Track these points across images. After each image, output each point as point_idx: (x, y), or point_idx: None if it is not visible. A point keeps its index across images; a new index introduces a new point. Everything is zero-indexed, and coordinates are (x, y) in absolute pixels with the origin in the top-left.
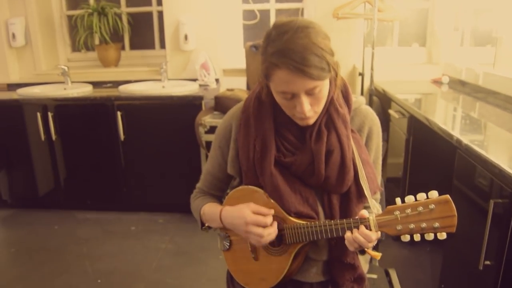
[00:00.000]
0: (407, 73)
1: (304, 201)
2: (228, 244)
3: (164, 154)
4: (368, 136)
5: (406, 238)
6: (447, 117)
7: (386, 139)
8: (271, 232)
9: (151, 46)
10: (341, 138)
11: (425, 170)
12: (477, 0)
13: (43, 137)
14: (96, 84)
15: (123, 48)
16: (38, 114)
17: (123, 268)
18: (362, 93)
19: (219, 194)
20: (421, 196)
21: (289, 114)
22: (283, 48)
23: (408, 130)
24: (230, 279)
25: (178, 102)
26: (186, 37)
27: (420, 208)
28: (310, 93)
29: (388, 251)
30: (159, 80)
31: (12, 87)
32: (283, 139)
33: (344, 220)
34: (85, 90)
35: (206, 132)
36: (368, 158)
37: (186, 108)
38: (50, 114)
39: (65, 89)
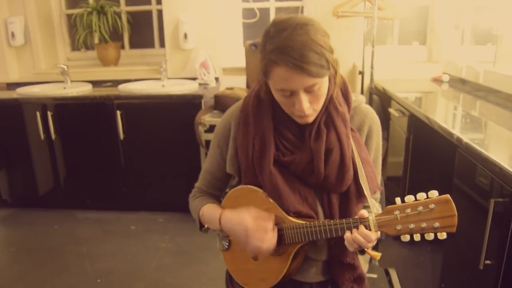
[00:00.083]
0: (407, 71)
1: (303, 201)
2: (227, 244)
3: (164, 153)
4: (368, 135)
5: (406, 238)
6: (448, 116)
7: (386, 137)
8: (271, 239)
9: (150, 45)
10: (341, 136)
11: (425, 169)
12: None
13: (42, 137)
14: (95, 83)
15: (122, 47)
16: (38, 114)
17: (123, 268)
18: (362, 92)
19: (217, 193)
20: (421, 195)
21: (288, 112)
22: (282, 45)
23: (408, 128)
24: (229, 279)
25: (178, 101)
26: (185, 36)
27: (420, 208)
28: (309, 90)
29: (388, 250)
30: (159, 79)
31: (12, 86)
32: (282, 138)
33: (344, 220)
34: (84, 89)
35: (206, 131)
36: (368, 157)
37: (186, 107)
38: (49, 113)
39: (64, 88)
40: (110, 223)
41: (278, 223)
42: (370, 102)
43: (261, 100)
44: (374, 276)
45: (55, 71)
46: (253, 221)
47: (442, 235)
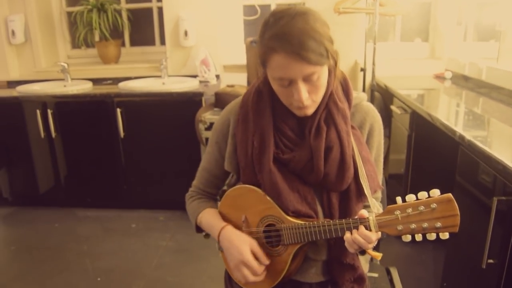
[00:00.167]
0: (409, 68)
1: (303, 200)
2: None
3: (164, 151)
4: (369, 134)
5: (407, 238)
6: (450, 113)
7: (388, 135)
8: (257, 278)
9: (151, 42)
10: (341, 134)
11: (428, 167)
12: None
13: (42, 135)
14: (96, 81)
15: (123, 44)
16: (38, 112)
17: (123, 266)
18: (364, 89)
19: (215, 192)
20: (423, 195)
21: (286, 104)
22: (280, 32)
23: (410, 126)
24: (229, 279)
25: (178, 99)
26: (186, 33)
27: (422, 208)
28: (307, 79)
29: (390, 248)
30: (159, 76)
31: (12, 84)
32: (281, 135)
33: (343, 220)
34: (84, 87)
35: (206, 129)
36: (369, 156)
37: (186, 104)
38: (49, 112)
39: (65, 86)
40: (111, 221)
41: (276, 223)
42: (371, 99)
43: (261, 96)
44: (375, 275)
45: (56, 69)
46: (251, 257)
47: (444, 235)
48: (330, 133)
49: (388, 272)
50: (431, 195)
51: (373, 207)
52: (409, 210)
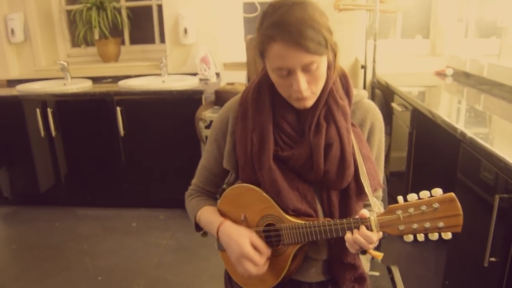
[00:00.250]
0: (410, 65)
1: (302, 198)
2: None
3: (165, 149)
4: (370, 132)
5: (409, 238)
6: (451, 110)
7: (389, 132)
8: (259, 270)
9: (151, 40)
10: (341, 131)
11: (429, 164)
12: None
13: (42, 133)
14: (96, 80)
15: (123, 42)
16: (38, 110)
17: (123, 265)
18: (364, 86)
19: (214, 190)
20: (425, 194)
21: (285, 96)
22: (279, 21)
23: (412, 123)
24: (228, 279)
25: (178, 97)
26: (185, 31)
27: (424, 207)
28: (306, 69)
29: (391, 246)
30: (159, 74)
31: (12, 83)
32: (281, 132)
33: (344, 220)
34: (84, 86)
35: (207, 127)
36: (369, 154)
37: (186, 102)
38: (49, 110)
39: (64, 84)
40: (111, 220)
41: (276, 223)
42: (372, 96)
43: (260, 92)
44: (376, 274)
45: (55, 67)
46: (251, 249)
47: (447, 235)
48: (330, 130)
49: (390, 271)
50: (433, 194)
51: (374, 206)
52: (411, 210)
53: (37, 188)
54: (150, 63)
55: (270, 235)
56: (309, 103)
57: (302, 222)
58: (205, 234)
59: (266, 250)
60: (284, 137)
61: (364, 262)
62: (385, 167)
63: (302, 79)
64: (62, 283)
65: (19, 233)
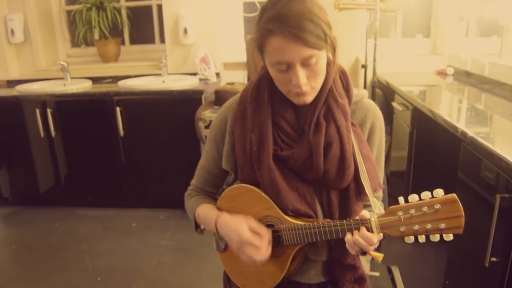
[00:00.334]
0: (411, 64)
1: (302, 199)
2: (224, 245)
3: (164, 149)
4: (371, 131)
5: (410, 239)
6: (452, 109)
7: (389, 132)
8: (265, 253)
9: (151, 40)
10: (341, 130)
11: (430, 164)
12: None
13: (42, 134)
14: (96, 80)
15: (122, 42)
16: (37, 111)
17: (123, 265)
18: (365, 86)
19: (214, 191)
20: (426, 195)
21: (285, 92)
22: (277, 14)
23: (412, 122)
24: (227, 280)
25: (178, 97)
26: (185, 31)
27: (425, 208)
28: (306, 63)
29: (392, 246)
30: (159, 74)
31: (12, 83)
32: (280, 131)
33: (344, 221)
34: (84, 86)
35: (206, 127)
36: (370, 154)
37: (186, 102)
38: (49, 111)
39: (64, 85)
40: (111, 220)
41: (275, 224)
42: (373, 96)
43: (259, 90)
44: (376, 274)
45: (55, 68)
46: (250, 234)
47: (448, 237)
48: (330, 128)
49: (390, 271)
50: (434, 195)
51: (374, 207)
52: (412, 211)
53: (37, 189)
54: (150, 63)
55: None
56: (309, 98)
57: (302, 223)
58: (201, 232)
59: (266, 232)
60: (283, 136)
61: (364, 263)
62: (385, 166)
63: (301, 74)
64: (62, 283)
65: (19, 233)
